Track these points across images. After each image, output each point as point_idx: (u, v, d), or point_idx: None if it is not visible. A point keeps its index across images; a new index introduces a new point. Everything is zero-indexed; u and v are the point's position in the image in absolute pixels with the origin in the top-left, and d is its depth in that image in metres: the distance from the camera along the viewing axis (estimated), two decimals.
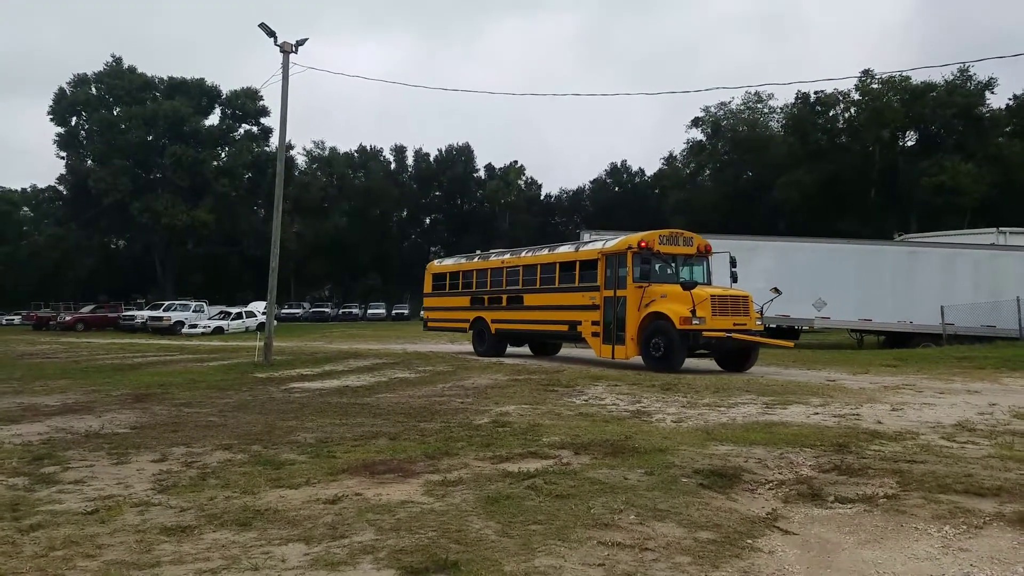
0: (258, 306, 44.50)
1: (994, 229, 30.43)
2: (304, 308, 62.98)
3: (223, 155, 58.57)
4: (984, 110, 53.19)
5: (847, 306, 22.89)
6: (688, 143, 66.45)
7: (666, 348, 14.16)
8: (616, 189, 77.10)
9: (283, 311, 54.17)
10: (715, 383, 11.46)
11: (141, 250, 60.19)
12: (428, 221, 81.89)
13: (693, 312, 13.79)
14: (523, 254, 18.89)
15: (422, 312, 36.94)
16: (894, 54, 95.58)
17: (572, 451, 6.47)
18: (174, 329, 39.80)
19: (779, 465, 5.84)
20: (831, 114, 57.47)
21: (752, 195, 57.14)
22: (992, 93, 53.02)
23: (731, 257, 15.95)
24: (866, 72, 52.99)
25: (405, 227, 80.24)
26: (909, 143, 56.22)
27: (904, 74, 52.81)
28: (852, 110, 55.94)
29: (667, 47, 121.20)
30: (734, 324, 14.13)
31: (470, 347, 21.00)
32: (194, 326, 39.92)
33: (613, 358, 15.45)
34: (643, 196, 72.96)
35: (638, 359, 14.91)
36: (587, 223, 63.86)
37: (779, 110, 61.92)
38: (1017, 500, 4.69)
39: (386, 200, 73.58)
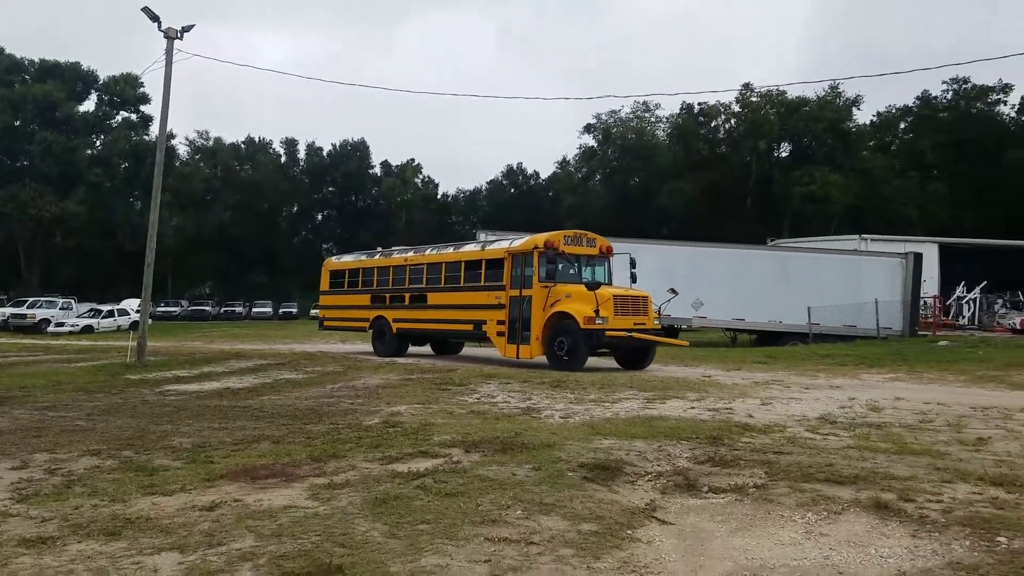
0: (132, 303, 41.91)
1: (857, 236, 32.96)
2: (182, 306, 59.71)
3: (98, 143, 54.85)
4: (851, 125, 57.50)
5: (723, 306, 24.15)
6: (581, 148, 68.09)
7: (570, 347, 14.33)
8: (512, 191, 77.82)
9: (159, 309, 51.18)
10: (601, 380, 11.80)
11: (4, 241, 55.49)
12: (320, 217, 79.71)
13: (597, 312, 14.00)
14: (427, 252, 18.62)
15: (313, 310, 35.61)
16: (776, 68, 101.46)
17: (463, 449, 6.50)
18: (39, 327, 36.91)
19: (658, 457, 6.09)
20: (713, 125, 60.46)
21: (639, 201, 59.14)
22: (859, 109, 57.56)
23: (631, 259, 16.22)
24: (746, 86, 56.25)
25: (295, 223, 77.72)
26: (783, 154, 59.89)
27: (781, 88, 56.37)
28: (732, 121, 59.08)
29: (579, 52, 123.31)
30: (634, 324, 14.48)
31: (362, 347, 20.64)
32: (61, 324, 37.16)
33: (518, 357, 15.44)
34: (538, 198, 73.99)
35: (542, 358, 15.02)
36: (484, 223, 64.16)
37: (665, 120, 64.49)
38: (872, 487, 5.07)
39: (275, 194, 71.04)
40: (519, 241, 16.14)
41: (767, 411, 8.85)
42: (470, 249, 17.62)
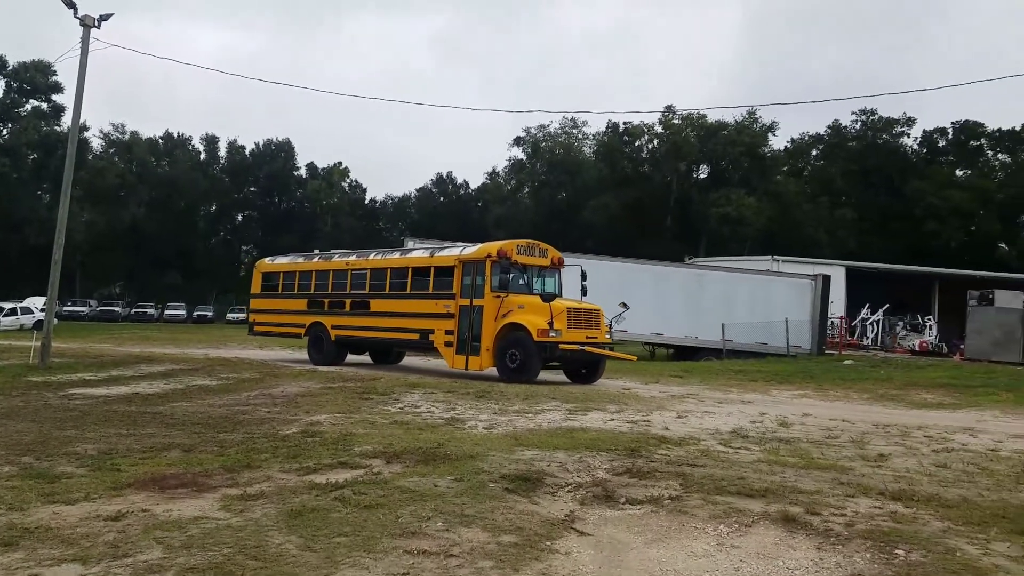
0: (36, 301, 39.63)
1: (770, 257, 34.35)
2: (90, 306, 56.77)
3: (4, 132, 51.73)
4: (767, 150, 60.02)
5: (642, 321, 24.72)
6: (510, 160, 68.63)
7: (523, 359, 14.07)
8: (441, 199, 77.61)
9: (65, 308, 48.54)
10: (525, 391, 11.86)
11: None
12: (240, 218, 77.33)
13: (551, 324, 13.80)
14: (371, 257, 17.98)
15: (231, 314, 34.01)
16: (699, 92, 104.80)
17: (384, 460, 6.41)
18: None
19: (578, 468, 6.17)
20: (637, 144, 62.07)
21: (566, 215, 60.00)
22: (774, 135, 60.18)
23: (582, 271, 16.01)
24: (669, 108, 58.08)
25: (214, 223, 75.13)
26: (702, 176, 61.97)
27: (701, 112, 58.43)
28: (655, 142, 60.82)
29: (512, 63, 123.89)
30: (587, 337, 14.33)
31: (285, 354, 20.13)
32: None
33: (467, 369, 14.98)
34: (467, 208, 74.05)
35: (492, 370, 14.67)
36: (412, 231, 63.78)
37: (592, 136, 65.75)
38: (781, 501, 5.27)
39: (193, 192, 68.54)
40: (470, 249, 15.68)
41: (683, 424, 9.09)
42: (418, 255, 17.00)
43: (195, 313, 57.89)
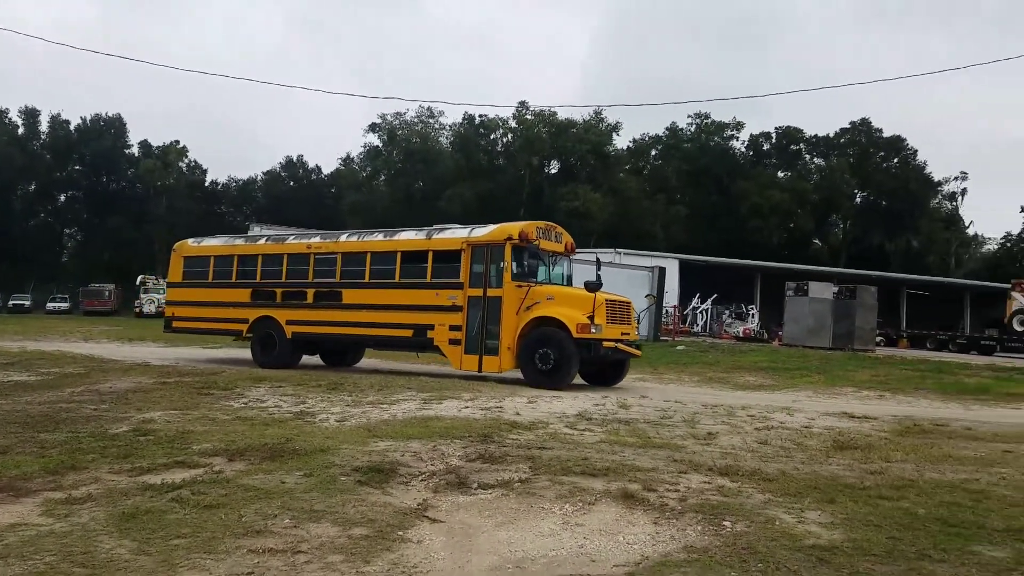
0: None
1: (613, 250, 36.09)
2: None
3: None
4: (611, 149, 62.77)
5: None
6: (366, 147, 67.26)
7: (558, 360, 12.24)
8: (291, 184, 74.55)
9: None
10: (380, 382, 11.72)
11: None
12: (63, 198, 70.47)
13: (591, 319, 12.16)
14: (343, 239, 15.42)
15: (52, 304, 30.80)
16: (552, 89, 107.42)
17: (226, 458, 6.12)
18: None
19: (432, 457, 6.21)
20: (492, 137, 62.94)
21: (422, 204, 59.73)
22: (618, 135, 63.00)
23: (597, 258, 14.55)
24: (522, 104, 59.39)
25: (32, 203, 67.90)
26: (553, 171, 63.81)
27: (552, 109, 60.17)
28: (509, 136, 61.95)
29: (370, 49, 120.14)
30: (621, 333, 12.95)
31: (114, 347, 18.53)
32: None
33: (480, 371, 12.98)
34: (319, 194, 71.66)
35: (513, 372, 12.92)
36: (257, 216, 60.86)
37: (448, 127, 65.83)
38: (621, 479, 5.55)
39: (9, 169, 61.51)
40: (482, 230, 13.60)
41: (533, 409, 9.37)
42: (409, 237, 14.46)
43: (10, 302, 52.11)
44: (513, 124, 60.99)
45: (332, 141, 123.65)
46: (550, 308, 12.61)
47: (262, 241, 16.71)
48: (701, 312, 37.74)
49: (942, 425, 9.10)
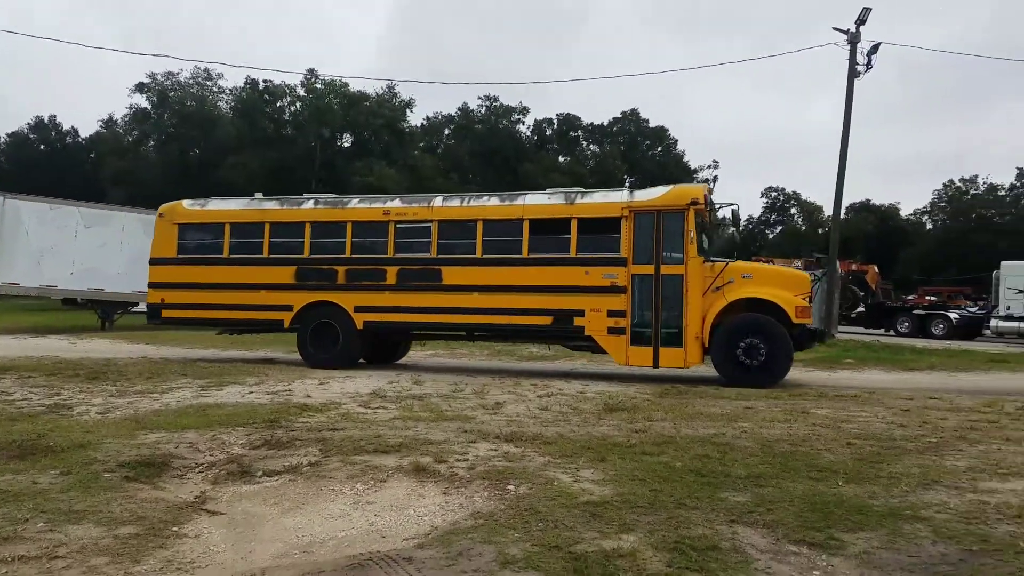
0: None
1: None
2: None
3: None
4: (405, 125, 62.37)
5: None
6: (132, 109, 60.69)
7: (771, 352, 10.48)
8: (41, 147, 65.48)
9: None
10: (150, 369, 10.81)
11: None
12: None
13: (810, 300, 10.72)
14: (438, 203, 12.38)
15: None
16: (345, 60, 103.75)
17: None
18: None
19: (211, 447, 5.87)
20: (279, 105, 59.78)
21: (200, 172, 55.38)
22: (412, 112, 62.60)
23: (734, 212, 12.47)
24: (311, 71, 56.90)
25: None
26: (346, 144, 62.15)
27: (344, 80, 58.35)
28: (298, 105, 59.22)
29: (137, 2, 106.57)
30: None
31: None
32: None
33: (656, 366, 11.00)
34: (76, 160, 63.67)
35: (698, 368, 11.29)
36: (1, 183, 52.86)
37: (229, 91, 61.48)
38: (413, 453, 5.63)
39: None
40: (650, 193, 11.43)
41: (324, 391, 9.17)
42: (540, 201, 11.87)
43: None
44: (302, 92, 58.34)
45: (91, 101, 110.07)
46: (754, 288, 10.85)
47: (308, 204, 13.04)
48: None
49: (695, 387, 10.23)
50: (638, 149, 68.82)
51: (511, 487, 4.79)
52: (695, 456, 5.58)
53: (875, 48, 21.24)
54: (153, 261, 13.54)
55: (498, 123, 66.50)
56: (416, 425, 6.83)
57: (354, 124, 59.45)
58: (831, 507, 4.25)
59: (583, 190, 12.34)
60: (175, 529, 4.12)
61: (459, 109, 66.65)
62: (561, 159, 68.01)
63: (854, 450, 5.86)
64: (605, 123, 69.53)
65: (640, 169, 67.31)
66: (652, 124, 69.33)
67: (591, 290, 11.13)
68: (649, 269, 10.95)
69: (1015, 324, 24.21)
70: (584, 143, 70.94)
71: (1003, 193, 63.31)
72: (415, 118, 65.29)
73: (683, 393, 9.52)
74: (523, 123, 68.48)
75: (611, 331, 11.06)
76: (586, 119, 69.57)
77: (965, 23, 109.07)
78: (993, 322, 25.15)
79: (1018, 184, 62.55)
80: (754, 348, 10.52)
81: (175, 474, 5.21)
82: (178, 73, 59.01)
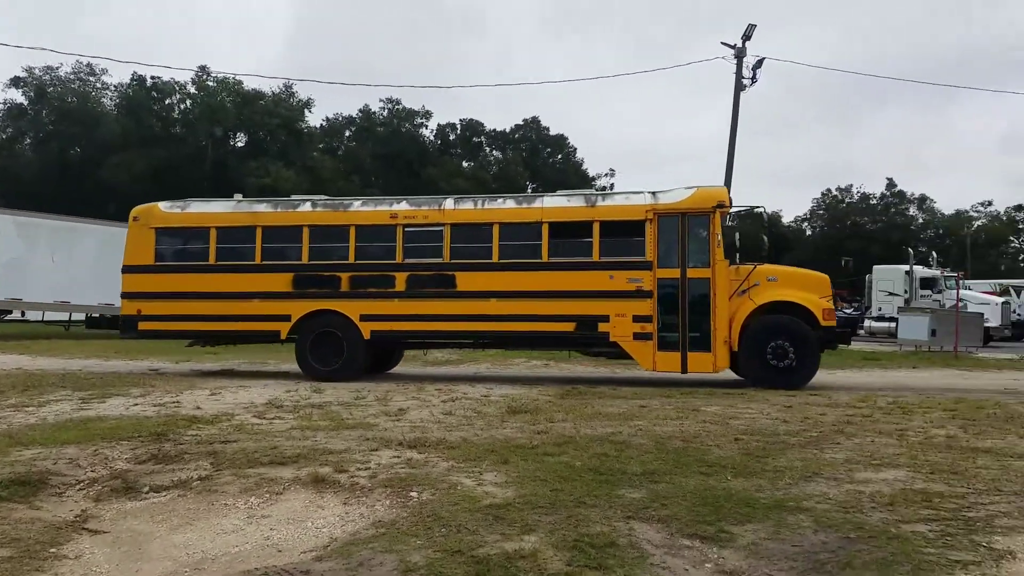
0: None
1: None
2: None
3: None
4: (303, 126, 60.80)
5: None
6: (6, 104, 56.35)
7: (800, 355, 10.56)
8: None
9: None
10: (23, 380, 10.06)
11: None
12: None
13: (835, 302, 10.72)
14: (448, 205, 11.83)
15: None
16: (238, 57, 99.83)
17: None
18: None
19: (92, 463, 5.54)
20: (168, 102, 57.07)
21: (81, 172, 52.04)
22: (310, 112, 61.13)
23: (763, 214, 12.50)
24: (203, 68, 54.56)
25: None
26: (240, 144, 59.95)
27: (238, 78, 56.33)
28: (188, 102, 56.72)
29: None
30: None
31: None
32: None
33: (685, 371, 10.82)
34: None
35: (722, 374, 11.06)
36: None
37: (114, 87, 58.12)
38: (312, 463, 5.50)
39: None
40: (675, 195, 11.21)
41: (216, 401, 8.81)
42: (560, 204, 11.56)
43: None
44: (192, 90, 55.90)
45: None
46: (781, 291, 10.94)
47: (306, 207, 12.40)
48: None
49: (595, 387, 10.48)
50: (539, 156, 69.91)
51: (414, 494, 4.75)
52: (594, 455, 5.72)
53: (759, 63, 22.49)
54: (126, 269, 12.46)
55: (400, 126, 65.96)
56: (315, 435, 6.67)
57: (248, 123, 57.52)
58: (721, 501, 4.46)
59: (602, 192, 11.98)
60: (53, 551, 3.86)
61: (360, 111, 65.68)
62: (465, 164, 68.17)
63: (741, 445, 6.16)
64: (507, 130, 70.28)
65: (541, 176, 68.36)
66: (552, 132, 70.55)
67: (616, 295, 10.99)
68: (675, 273, 10.92)
69: (886, 324, 26.08)
70: (487, 148, 71.40)
71: (875, 202, 68.28)
72: (314, 119, 63.88)
73: (583, 394, 9.73)
74: (426, 127, 68.22)
75: (637, 336, 10.94)
76: (488, 124, 70.04)
77: (848, 36, 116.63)
78: (867, 323, 26.98)
79: (887, 193, 67.67)
80: (781, 350, 10.64)
81: (53, 492, 4.87)
82: (58, 68, 55.39)
